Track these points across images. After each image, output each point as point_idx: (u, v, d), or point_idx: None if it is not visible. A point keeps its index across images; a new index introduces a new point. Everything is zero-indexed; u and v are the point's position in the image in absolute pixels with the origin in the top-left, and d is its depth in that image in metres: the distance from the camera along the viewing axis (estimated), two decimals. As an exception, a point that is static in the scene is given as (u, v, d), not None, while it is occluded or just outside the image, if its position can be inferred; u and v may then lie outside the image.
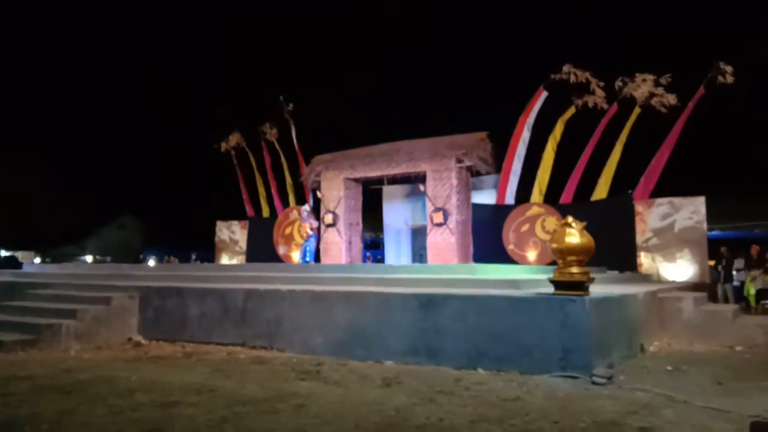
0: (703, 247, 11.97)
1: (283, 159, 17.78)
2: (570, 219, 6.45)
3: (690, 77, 12.60)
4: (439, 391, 5.37)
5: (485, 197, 14.36)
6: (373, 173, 14.09)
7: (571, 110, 13.59)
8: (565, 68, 13.23)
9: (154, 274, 11.52)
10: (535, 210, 13.31)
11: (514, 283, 7.41)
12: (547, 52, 25.34)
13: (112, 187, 40.58)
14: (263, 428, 4.23)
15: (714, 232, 15.68)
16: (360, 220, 15.00)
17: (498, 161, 13.80)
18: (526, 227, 13.24)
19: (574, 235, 6.29)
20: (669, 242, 12.15)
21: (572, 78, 13.18)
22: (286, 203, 17.67)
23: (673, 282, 11.52)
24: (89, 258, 37.05)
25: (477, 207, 13.66)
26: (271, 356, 7.35)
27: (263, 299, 8.03)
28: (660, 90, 12.53)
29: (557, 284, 6.36)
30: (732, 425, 4.26)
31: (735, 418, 4.42)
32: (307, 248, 13.20)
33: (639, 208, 12.52)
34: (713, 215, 12.65)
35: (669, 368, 6.49)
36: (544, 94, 14.09)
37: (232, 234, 18.61)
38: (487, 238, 13.52)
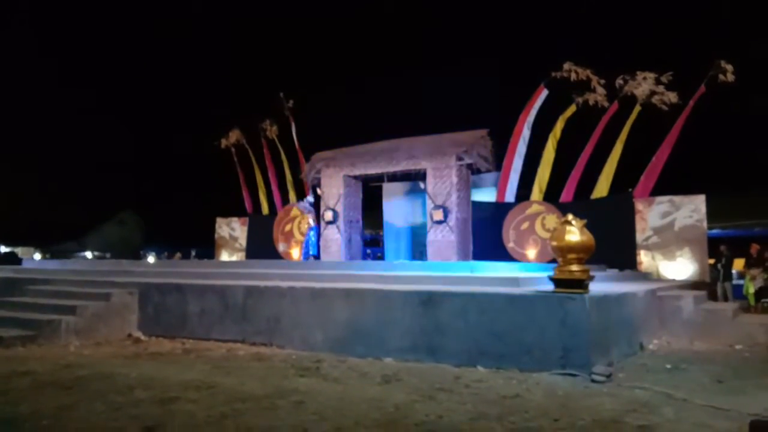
0: (703, 246, 11.96)
1: (283, 156, 17.77)
2: (570, 217, 6.44)
3: (691, 75, 12.58)
4: (439, 388, 5.37)
5: (485, 195, 14.34)
6: (373, 170, 14.07)
7: (572, 108, 13.57)
8: (566, 66, 13.21)
9: (154, 271, 11.53)
10: (535, 208, 13.29)
11: (514, 281, 7.40)
12: (548, 50, 25.31)
13: (113, 183, 40.54)
14: (263, 425, 4.23)
15: (714, 231, 15.67)
16: (360, 218, 14.99)
17: (498, 159, 13.78)
18: (526, 225, 13.23)
19: (575, 233, 6.29)
20: (669, 240, 12.14)
21: (573, 76, 13.15)
22: (286, 200, 17.66)
23: (673, 280, 11.52)
24: (89, 254, 37.05)
25: (477, 205, 13.64)
26: (271, 353, 7.35)
27: (263, 296, 8.03)
28: (661, 88, 12.50)
29: (557, 282, 6.36)
30: (732, 423, 4.26)
31: (735, 416, 4.42)
32: (309, 242, 13.17)
33: (639, 206, 12.51)
34: (713, 214, 12.63)
35: (668, 366, 6.50)
36: (545, 92, 14.06)
37: (232, 231, 18.60)
38: (487, 235, 13.50)
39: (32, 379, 5.66)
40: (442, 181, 12.93)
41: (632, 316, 7.60)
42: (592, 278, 6.37)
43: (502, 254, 12.83)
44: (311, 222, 13.23)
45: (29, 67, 37.25)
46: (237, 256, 18.10)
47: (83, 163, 38.00)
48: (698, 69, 12.48)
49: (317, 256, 14.63)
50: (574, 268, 6.27)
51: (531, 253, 12.97)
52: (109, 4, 37.58)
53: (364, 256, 17.10)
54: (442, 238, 12.84)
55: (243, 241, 18.23)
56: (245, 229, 18.27)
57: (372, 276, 8.50)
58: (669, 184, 12.69)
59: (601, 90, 13.03)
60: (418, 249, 15.36)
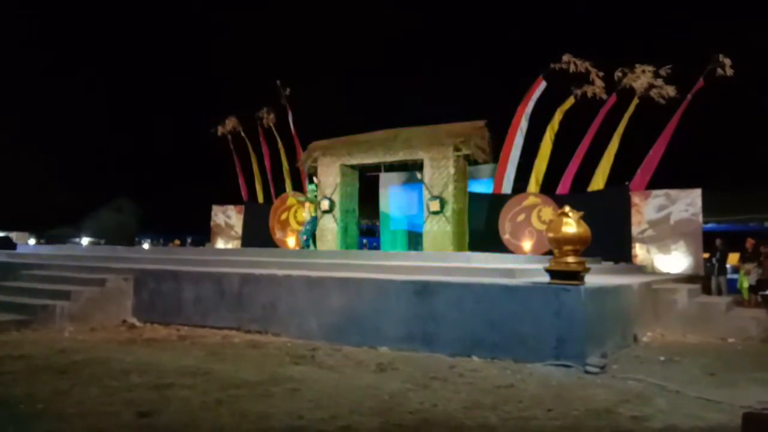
0: (698, 240, 12.00)
1: (280, 144, 17.70)
2: (567, 208, 6.45)
3: (690, 69, 12.57)
4: (434, 377, 5.39)
5: (482, 186, 14.35)
6: (370, 160, 14.04)
7: (570, 100, 13.54)
8: (565, 58, 13.16)
9: (150, 257, 11.50)
10: (531, 200, 13.30)
11: (509, 272, 7.42)
12: (547, 42, 25.23)
13: (109, 169, 40.36)
14: (257, 411, 4.24)
15: (709, 225, 15.74)
16: (356, 207, 14.99)
17: (496, 150, 13.76)
18: (522, 217, 13.24)
19: (571, 225, 6.29)
20: (664, 234, 12.17)
21: (572, 68, 13.11)
22: (282, 189, 17.62)
23: (668, 274, 11.57)
24: (85, 240, 36.93)
25: (474, 196, 13.64)
26: (266, 340, 7.37)
27: (259, 284, 8.03)
28: (659, 81, 12.48)
29: (553, 273, 6.38)
30: (723, 415, 4.30)
31: (727, 408, 4.46)
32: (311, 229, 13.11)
33: (635, 199, 12.53)
34: (709, 208, 12.67)
35: (662, 359, 6.54)
36: (543, 84, 14.03)
37: (228, 218, 18.56)
38: (484, 227, 13.52)
39: (27, 363, 5.65)
40: (439, 172, 12.92)
41: (627, 309, 7.63)
42: (587, 270, 6.38)
43: (497, 246, 12.84)
44: (312, 212, 13.15)
45: (25, 53, 36.98)
46: (233, 244, 18.08)
47: (79, 148, 37.81)
48: (697, 63, 12.47)
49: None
50: (570, 259, 6.28)
51: (527, 245, 12.99)
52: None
53: (360, 246, 17.12)
54: (438, 229, 12.85)
55: (239, 229, 18.19)
56: (241, 217, 18.23)
57: (368, 265, 8.50)
58: (665, 178, 12.71)
59: (599, 82, 13.00)
60: (414, 239, 15.39)
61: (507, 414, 4.30)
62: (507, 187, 13.85)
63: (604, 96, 13.02)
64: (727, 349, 7.41)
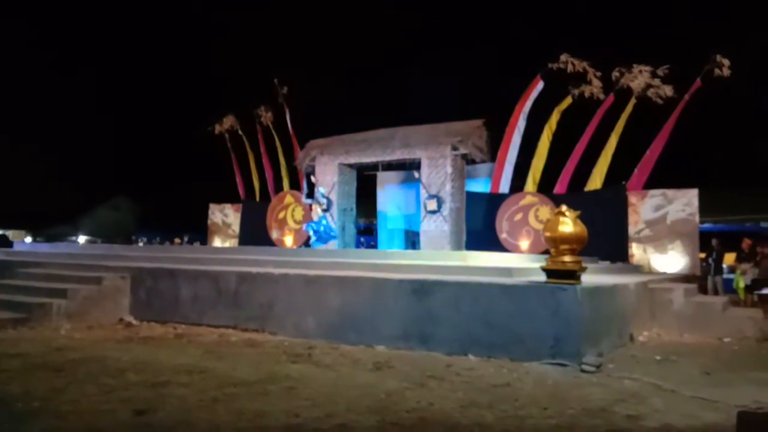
0: (695, 240, 12.04)
1: (277, 143, 17.69)
2: (564, 208, 6.46)
3: (687, 69, 12.60)
4: (430, 376, 5.40)
5: (479, 186, 14.37)
6: (368, 159, 14.06)
7: (568, 100, 13.58)
8: (563, 57, 13.20)
9: (147, 255, 11.48)
10: (528, 199, 13.33)
11: (506, 271, 7.42)
12: (545, 41, 25.26)
13: (107, 167, 40.28)
14: (254, 409, 4.24)
15: (706, 225, 15.77)
16: (354, 206, 14.99)
17: (493, 150, 13.79)
18: (519, 216, 13.26)
19: (568, 224, 6.30)
20: (661, 234, 12.21)
21: (570, 67, 13.15)
22: (279, 187, 17.61)
23: (664, 273, 11.60)
24: (82, 238, 36.87)
25: (471, 195, 13.66)
26: (263, 339, 7.36)
27: (256, 282, 8.03)
28: (657, 81, 12.53)
29: (549, 273, 6.38)
30: (719, 415, 4.31)
31: (722, 407, 4.47)
32: (328, 227, 13.11)
33: (632, 199, 12.56)
34: (705, 208, 12.72)
35: (658, 358, 6.55)
36: (541, 84, 14.06)
37: (225, 217, 18.55)
38: (481, 226, 13.54)
39: (23, 361, 5.64)
40: (437, 171, 12.94)
41: (623, 308, 7.64)
42: (584, 269, 6.39)
43: (494, 245, 12.87)
44: (320, 212, 13.03)
45: (25, 53, 36.87)
46: (230, 243, 18.07)
47: (77, 147, 37.72)
48: (695, 63, 12.50)
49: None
50: (567, 259, 6.29)
51: (524, 244, 13.01)
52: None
53: (358, 245, 17.12)
54: (435, 228, 12.88)
55: (236, 227, 18.18)
56: (238, 215, 18.23)
57: (365, 264, 8.50)
58: (662, 178, 12.75)
59: (597, 82, 13.04)
60: (411, 238, 15.41)
61: (503, 413, 4.30)
62: (504, 187, 13.88)
63: (602, 96, 13.06)
64: (723, 348, 7.43)
